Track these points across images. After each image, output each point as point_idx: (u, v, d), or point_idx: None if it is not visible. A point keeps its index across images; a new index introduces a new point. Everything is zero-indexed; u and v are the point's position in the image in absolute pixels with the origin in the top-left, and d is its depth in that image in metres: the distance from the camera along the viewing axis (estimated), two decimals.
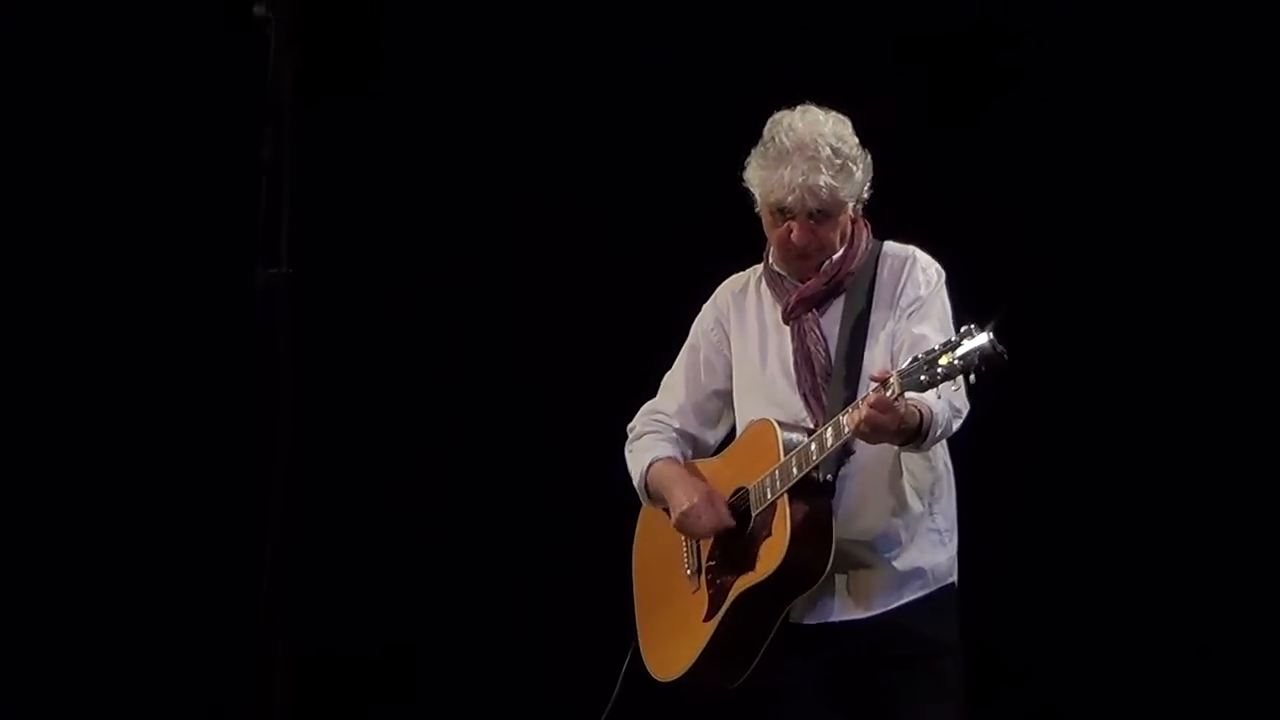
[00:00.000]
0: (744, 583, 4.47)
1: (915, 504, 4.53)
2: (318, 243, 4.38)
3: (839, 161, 4.49)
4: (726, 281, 4.76)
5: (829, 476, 4.43)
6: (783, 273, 4.61)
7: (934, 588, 4.55)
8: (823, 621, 4.50)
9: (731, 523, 4.54)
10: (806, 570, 4.40)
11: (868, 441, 4.35)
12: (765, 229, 4.57)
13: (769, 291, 4.65)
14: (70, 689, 6.48)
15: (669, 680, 4.66)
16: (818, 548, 4.40)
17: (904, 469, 4.52)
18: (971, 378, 4.15)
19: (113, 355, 6.44)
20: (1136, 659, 6.10)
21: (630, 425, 4.81)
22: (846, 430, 4.30)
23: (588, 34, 6.42)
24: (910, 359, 4.21)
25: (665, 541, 4.70)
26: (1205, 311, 6.05)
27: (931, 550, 4.55)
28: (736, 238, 4.76)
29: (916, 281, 4.56)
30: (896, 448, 4.44)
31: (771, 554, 4.41)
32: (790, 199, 4.47)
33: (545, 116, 6.48)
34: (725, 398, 4.72)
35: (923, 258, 4.60)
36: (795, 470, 4.40)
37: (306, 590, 3.95)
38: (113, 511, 6.46)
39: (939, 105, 6.15)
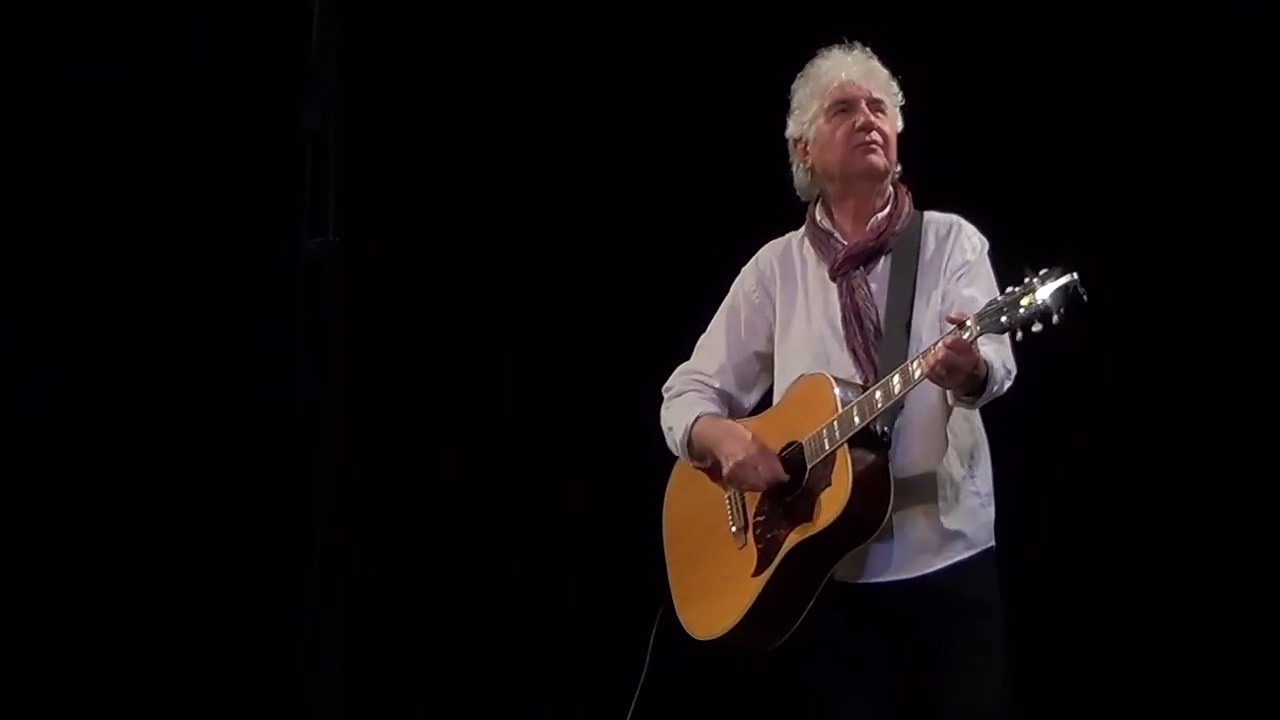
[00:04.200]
0: (800, 534, 4.46)
1: (957, 466, 4.55)
2: (364, 211, 4.37)
3: (884, 71, 4.63)
4: (767, 245, 4.78)
5: (885, 429, 4.44)
6: (831, 229, 4.63)
7: (975, 550, 4.56)
8: (867, 581, 4.51)
9: (785, 476, 4.53)
10: (865, 521, 4.42)
11: (941, 384, 4.34)
12: (822, 144, 4.61)
13: (812, 251, 4.68)
14: (113, 676, 6.49)
15: (710, 639, 4.64)
16: (877, 498, 4.41)
17: (948, 430, 4.53)
18: (1055, 319, 4.13)
19: (160, 325, 6.45)
20: (1173, 625, 6.08)
21: (666, 386, 4.82)
22: (917, 375, 4.31)
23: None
24: (987, 303, 4.22)
25: (704, 500, 4.71)
26: (1239, 280, 6.02)
27: (973, 513, 4.57)
28: (756, 216, 4.81)
29: (964, 246, 4.60)
30: (945, 407, 4.48)
31: (832, 504, 4.42)
32: (854, 77, 4.57)
33: (592, 81, 6.47)
34: (763, 361, 4.74)
35: (968, 225, 4.65)
36: (857, 419, 4.40)
37: (355, 567, 3.96)
38: (156, 486, 6.46)
39: (964, 74, 6.13)
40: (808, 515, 4.46)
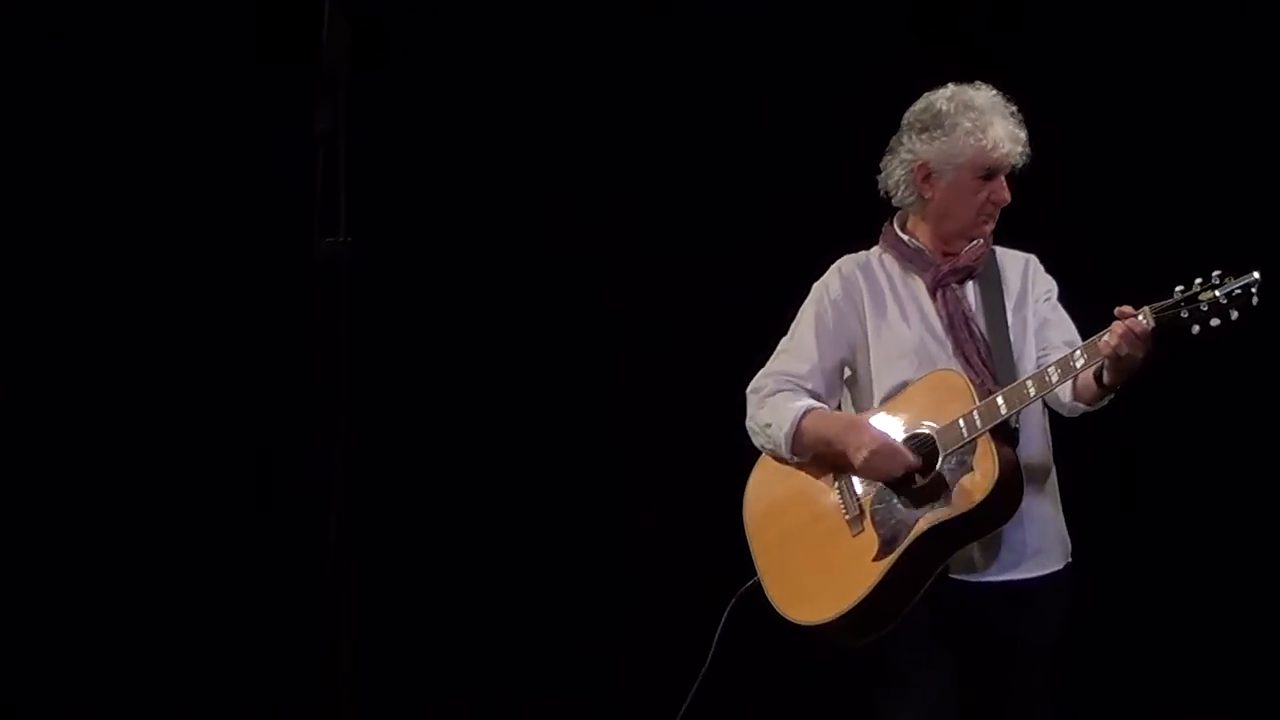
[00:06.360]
0: (932, 519, 4.50)
1: (1054, 471, 4.69)
2: (375, 212, 4.39)
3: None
4: (845, 258, 4.82)
5: (1015, 425, 4.55)
6: (922, 246, 4.71)
7: (1070, 560, 4.69)
8: (980, 579, 4.58)
9: (918, 463, 4.56)
10: (1000, 511, 4.50)
11: (1116, 370, 4.39)
12: (956, 196, 4.65)
13: (895, 265, 4.75)
14: (122, 675, 6.53)
15: (815, 624, 4.62)
16: (1015, 488, 4.51)
17: (1048, 433, 4.65)
18: (1234, 316, 4.29)
19: (173, 326, 6.47)
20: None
21: (754, 387, 4.80)
22: (1080, 364, 4.41)
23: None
24: (1166, 298, 4.34)
25: (803, 492, 4.72)
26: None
27: (1062, 521, 4.70)
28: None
29: (1045, 277, 4.77)
30: (1046, 409, 4.60)
31: (976, 489, 4.48)
32: (1016, 151, 4.63)
33: (607, 82, 6.49)
34: (842, 370, 4.77)
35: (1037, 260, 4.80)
36: (1004, 409, 4.48)
37: (369, 569, 3.98)
38: (169, 486, 6.48)
39: None
40: (943, 501, 4.51)
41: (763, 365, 4.83)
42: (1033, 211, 4.74)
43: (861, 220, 4.86)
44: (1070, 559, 4.69)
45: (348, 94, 3.78)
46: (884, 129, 4.78)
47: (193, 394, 6.49)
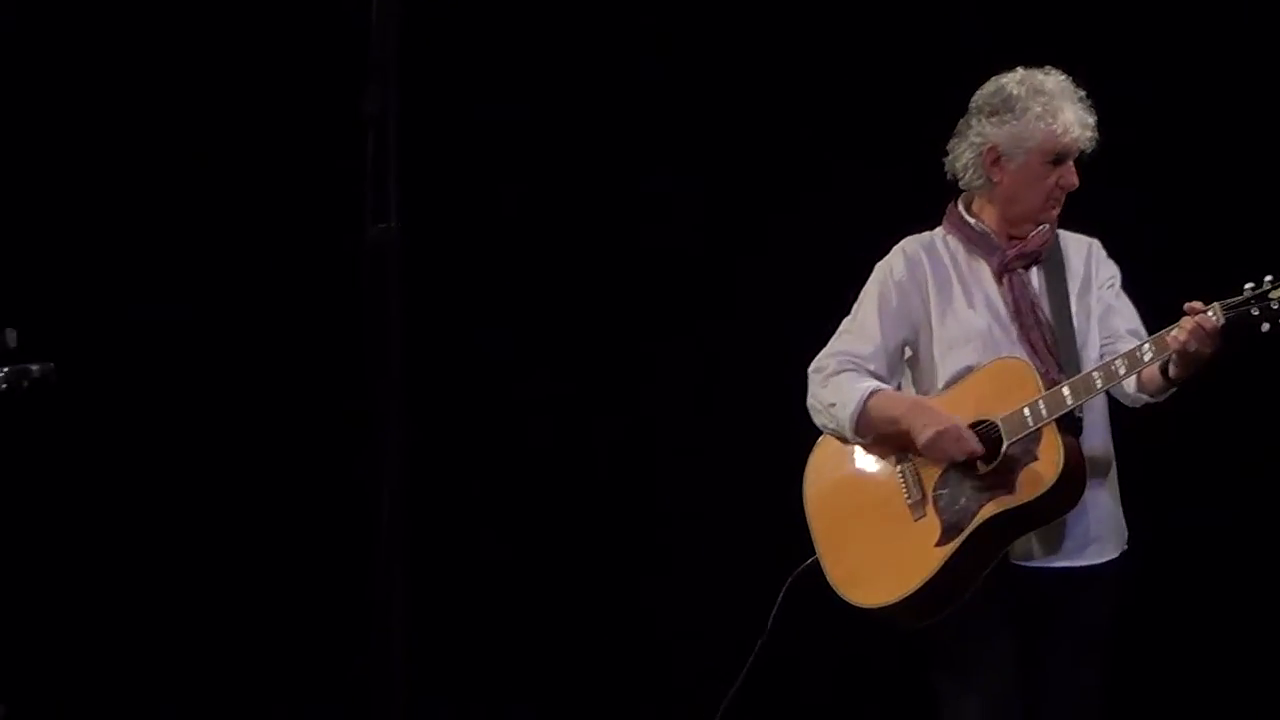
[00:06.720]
0: (997, 506, 4.54)
1: (1114, 460, 4.70)
2: (426, 197, 4.38)
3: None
4: (908, 238, 4.83)
5: (1079, 414, 4.57)
6: (988, 230, 4.72)
7: (1124, 549, 4.72)
8: (1038, 564, 4.62)
9: (982, 449, 4.58)
10: (1064, 501, 4.54)
11: (1183, 365, 4.42)
12: (1024, 180, 4.67)
13: (960, 247, 4.76)
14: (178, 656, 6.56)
15: (876, 607, 4.65)
16: (1079, 478, 4.55)
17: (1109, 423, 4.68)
18: None
19: (223, 313, 6.49)
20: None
21: (816, 367, 4.79)
22: (1147, 357, 4.44)
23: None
24: (1234, 295, 4.37)
25: (865, 474, 4.75)
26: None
27: (1120, 510, 4.71)
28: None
29: (1108, 263, 4.79)
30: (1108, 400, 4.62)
31: (1040, 478, 4.52)
32: (1086, 136, 4.65)
33: (657, 64, 6.46)
34: (903, 351, 4.77)
35: (1100, 246, 4.80)
36: (1069, 399, 4.52)
37: (422, 555, 3.97)
38: (219, 472, 6.51)
39: None
40: (1007, 488, 4.54)
41: (823, 345, 4.81)
42: (1097, 198, 4.73)
43: (921, 200, 4.85)
44: (1126, 547, 4.71)
45: (397, 77, 3.76)
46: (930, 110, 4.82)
47: (244, 381, 6.50)
